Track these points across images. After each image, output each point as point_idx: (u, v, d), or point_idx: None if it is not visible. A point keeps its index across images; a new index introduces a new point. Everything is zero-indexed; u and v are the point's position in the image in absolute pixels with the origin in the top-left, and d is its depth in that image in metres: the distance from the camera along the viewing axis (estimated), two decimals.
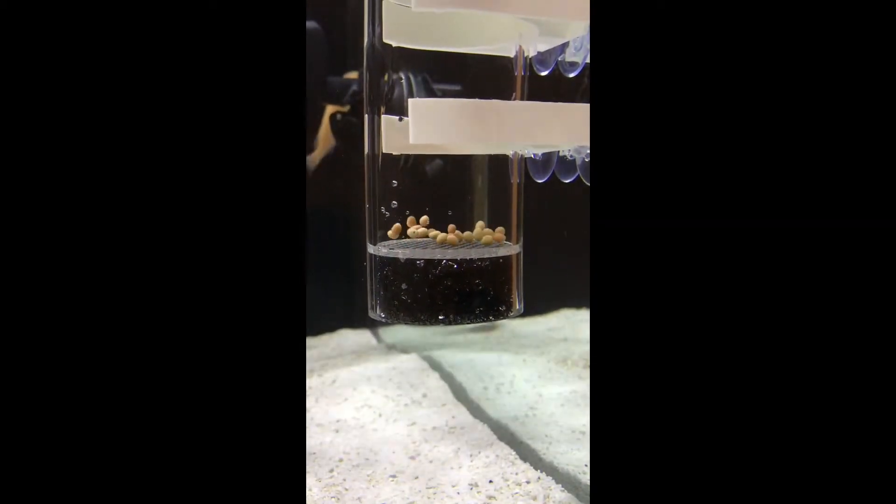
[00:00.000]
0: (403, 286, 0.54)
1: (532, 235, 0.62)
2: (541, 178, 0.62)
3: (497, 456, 0.79)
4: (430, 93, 0.56)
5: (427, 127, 0.49)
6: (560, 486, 0.70)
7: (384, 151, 0.57)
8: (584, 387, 1.06)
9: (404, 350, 1.31)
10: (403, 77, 0.57)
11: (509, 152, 0.60)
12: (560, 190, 0.66)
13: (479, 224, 0.59)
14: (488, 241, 0.58)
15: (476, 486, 0.71)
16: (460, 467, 0.76)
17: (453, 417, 0.93)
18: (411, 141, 0.49)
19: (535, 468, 0.75)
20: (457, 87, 0.59)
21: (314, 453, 0.81)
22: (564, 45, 0.58)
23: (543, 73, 0.59)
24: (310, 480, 0.74)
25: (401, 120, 0.55)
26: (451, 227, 0.58)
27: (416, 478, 0.74)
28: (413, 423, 0.91)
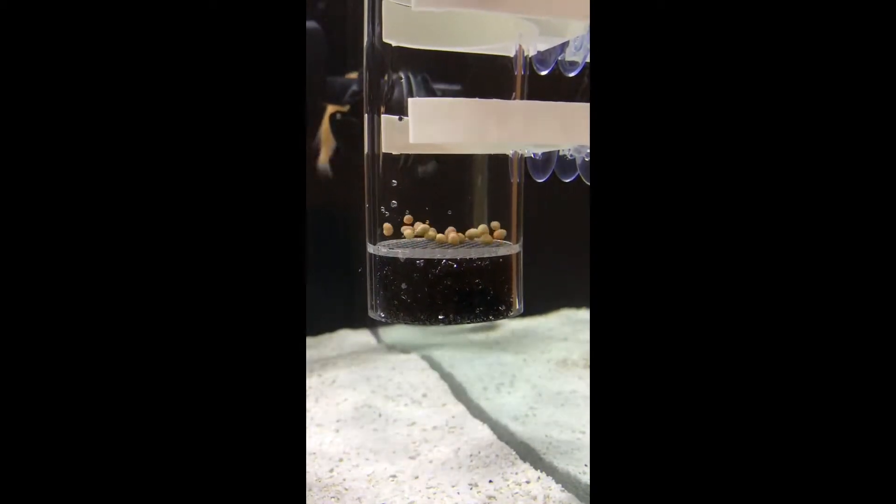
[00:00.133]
0: (403, 286, 0.54)
1: (532, 235, 0.62)
2: (541, 178, 0.62)
3: (497, 456, 0.79)
4: (430, 92, 0.56)
5: (427, 126, 0.49)
6: (560, 485, 0.70)
7: (384, 151, 0.57)
8: (584, 387, 1.06)
9: (404, 350, 1.31)
10: (403, 77, 0.57)
11: (509, 152, 0.60)
12: (560, 189, 0.66)
13: (482, 227, 0.59)
14: (487, 240, 0.58)
15: (476, 485, 0.71)
16: (460, 467, 0.76)
17: (453, 417, 0.93)
18: (411, 140, 0.49)
19: (535, 468, 0.75)
20: (457, 87, 0.59)
21: (314, 453, 0.81)
22: (564, 45, 0.58)
23: (543, 73, 0.59)
24: (310, 480, 0.74)
25: (401, 119, 0.55)
26: (449, 228, 0.58)
27: (416, 478, 0.74)
28: (413, 423, 0.91)
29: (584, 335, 1.39)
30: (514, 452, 0.80)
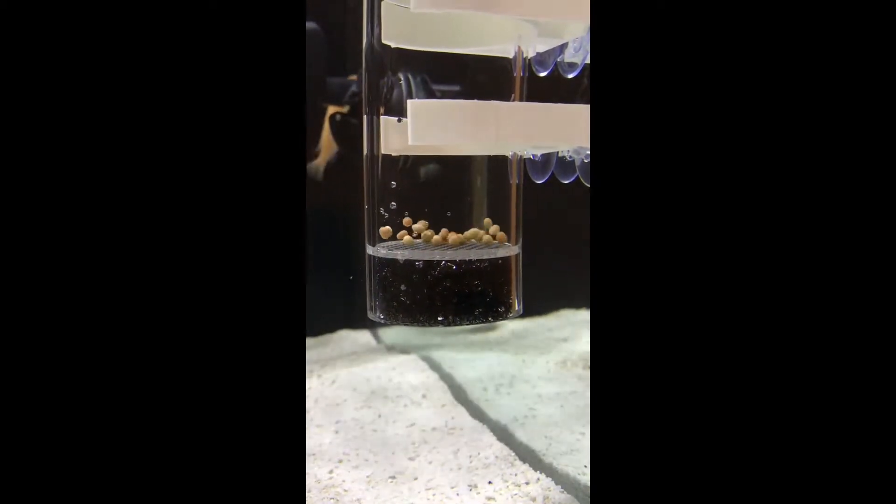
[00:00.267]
0: (402, 287, 0.54)
1: (531, 236, 0.62)
2: (540, 179, 0.62)
3: (496, 457, 0.79)
4: (429, 94, 0.56)
5: (426, 128, 0.49)
6: (559, 487, 0.70)
7: (383, 152, 0.57)
8: (583, 387, 1.06)
9: (404, 351, 1.31)
10: (402, 78, 0.57)
11: (508, 153, 0.60)
12: (559, 191, 0.66)
13: (472, 231, 0.59)
14: (489, 239, 0.58)
15: (475, 487, 0.71)
16: (460, 468, 0.76)
17: (453, 418, 0.93)
18: (410, 142, 0.49)
19: (535, 469, 0.75)
20: (456, 88, 0.59)
21: (314, 454, 0.81)
22: (563, 46, 0.58)
23: (542, 74, 0.59)
24: (309, 481, 0.74)
25: (400, 121, 0.55)
26: (443, 231, 0.58)
27: (416, 479, 0.74)
28: (412, 424, 0.91)
29: (584, 336, 1.39)
30: (513, 453, 0.80)
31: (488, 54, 0.58)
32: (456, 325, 0.55)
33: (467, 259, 0.54)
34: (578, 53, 0.56)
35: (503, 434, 0.86)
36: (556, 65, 0.59)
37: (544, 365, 1.20)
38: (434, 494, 0.70)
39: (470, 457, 0.79)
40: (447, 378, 1.11)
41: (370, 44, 0.55)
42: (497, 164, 0.60)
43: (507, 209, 0.60)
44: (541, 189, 0.63)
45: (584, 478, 0.71)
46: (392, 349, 1.35)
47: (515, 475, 0.73)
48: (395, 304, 0.55)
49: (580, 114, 0.51)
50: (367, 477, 0.75)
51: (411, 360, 1.23)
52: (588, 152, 0.58)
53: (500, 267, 0.56)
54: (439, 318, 0.54)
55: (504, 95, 0.57)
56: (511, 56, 0.56)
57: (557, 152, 0.61)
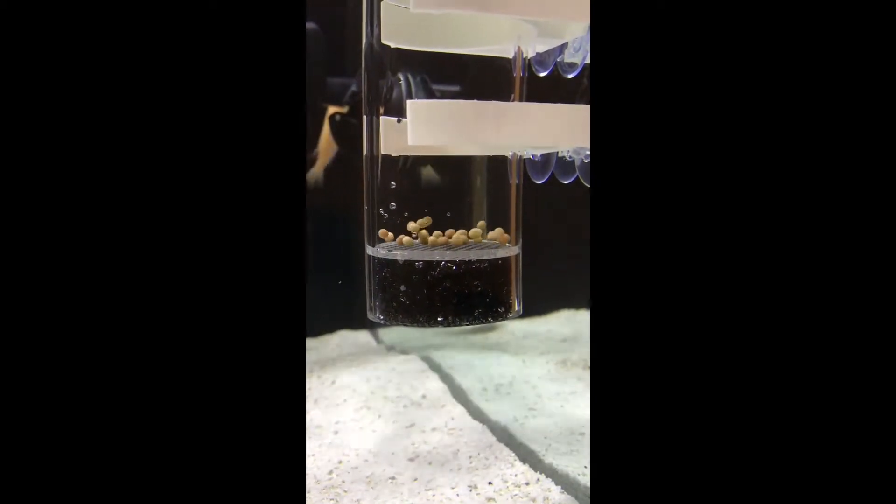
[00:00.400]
0: (402, 288, 0.54)
1: (531, 236, 0.62)
2: (540, 180, 0.62)
3: (496, 457, 0.79)
4: (429, 94, 0.56)
5: (426, 128, 0.49)
6: (559, 487, 0.70)
7: (383, 153, 0.57)
8: (583, 388, 1.06)
9: (404, 351, 1.31)
10: (402, 78, 0.57)
11: (508, 153, 0.60)
12: (559, 191, 0.66)
13: (481, 224, 0.59)
14: (491, 238, 0.58)
15: (475, 487, 0.71)
16: (459, 469, 0.76)
17: (452, 419, 0.93)
18: (410, 142, 0.49)
19: (535, 470, 0.75)
20: (455, 89, 0.59)
21: (313, 455, 0.81)
22: (563, 46, 0.58)
23: (542, 74, 0.59)
24: (309, 482, 0.74)
25: (399, 121, 0.55)
26: (436, 233, 0.58)
27: (416, 479, 0.74)
28: (412, 425, 0.91)
29: (584, 336, 1.39)
30: (513, 454, 0.80)
31: (488, 54, 0.58)
32: (456, 325, 0.55)
33: (467, 259, 0.54)
34: (578, 53, 0.56)
35: (503, 434, 0.86)
36: (556, 65, 0.59)
37: (544, 365, 1.20)
38: (434, 495, 0.70)
39: (470, 457, 0.79)
40: (447, 378, 1.11)
41: (370, 44, 0.55)
42: (497, 165, 0.60)
43: (506, 209, 0.60)
44: (541, 189, 0.63)
45: (584, 478, 0.71)
46: (392, 350, 1.35)
47: (515, 475, 0.73)
48: (394, 304, 0.55)
49: (580, 114, 0.51)
50: (367, 477, 0.75)
51: (411, 360, 1.23)
52: (588, 152, 0.58)
53: (499, 267, 0.56)
54: (439, 319, 0.54)
55: (504, 96, 0.57)
56: (511, 56, 0.56)
57: (557, 152, 0.61)
